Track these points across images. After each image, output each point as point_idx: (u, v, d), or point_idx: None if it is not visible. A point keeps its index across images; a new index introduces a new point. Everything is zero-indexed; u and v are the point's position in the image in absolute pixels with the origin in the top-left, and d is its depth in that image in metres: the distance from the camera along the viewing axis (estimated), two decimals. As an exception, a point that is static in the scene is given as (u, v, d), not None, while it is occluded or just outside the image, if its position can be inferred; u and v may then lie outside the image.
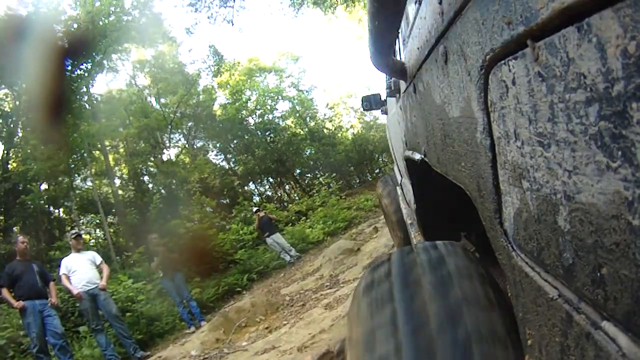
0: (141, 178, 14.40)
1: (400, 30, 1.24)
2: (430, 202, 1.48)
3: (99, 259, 4.91)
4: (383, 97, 2.86)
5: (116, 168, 14.26)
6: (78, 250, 4.83)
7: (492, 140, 0.47)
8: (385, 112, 3.07)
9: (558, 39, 0.29)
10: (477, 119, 0.50)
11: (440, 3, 0.59)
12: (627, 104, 0.23)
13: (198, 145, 16.18)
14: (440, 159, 0.81)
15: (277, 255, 7.87)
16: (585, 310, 0.31)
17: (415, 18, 0.90)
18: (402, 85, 1.35)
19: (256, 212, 8.34)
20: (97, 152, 12.73)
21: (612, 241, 0.26)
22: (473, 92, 0.50)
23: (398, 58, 1.37)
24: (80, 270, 4.62)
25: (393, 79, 1.57)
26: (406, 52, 1.16)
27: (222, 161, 16.14)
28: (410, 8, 1.03)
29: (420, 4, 0.81)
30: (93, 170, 12.12)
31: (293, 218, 10.95)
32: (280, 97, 15.83)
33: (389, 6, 0.73)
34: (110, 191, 13.41)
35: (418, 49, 0.86)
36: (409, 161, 1.39)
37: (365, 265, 4.85)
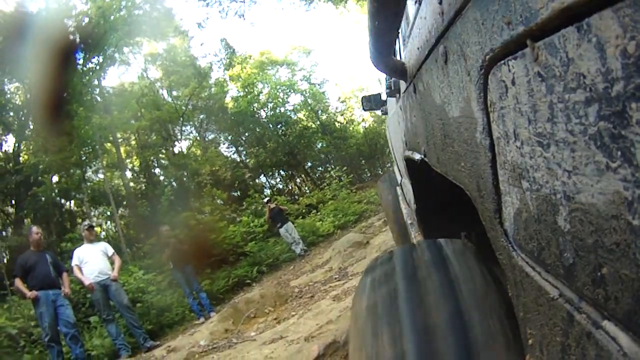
0: (152, 170, 14.48)
1: (400, 30, 1.24)
2: (430, 202, 1.48)
3: (110, 250, 4.98)
4: (383, 97, 2.86)
5: (127, 160, 14.27)
6: (90, 242, 4.90)
7: (492, 140, 0.47)
8: (385, 112, 3.08)
9: (558, 39, 0.29)
10: (477, 119, 0.50)
11: (440, 3, 0.59)
12: (627, 104, 0.23)
13: (209, 137, 16.23)
14: (440, 159, 0.81)
15: (288, 247, 7.89)
16: (586, 310, 0.31)
17: (415, 18, 0.90)
18: (402, 85, 1.35)
19: (267, 202, 8.37)
20: (109, 144, 12.76)
21: (612, 241, 0.26)
22: (473, 92, 0.50)
23: (398, 58, 1.37)
24: (92, 261, 4.70)
25: (393, 79, 1.57)
26: (406, 52, 1.16)
27: (233, 154, 16.22)
28: (410, 8, 1.03)
29: (420, 4, 0.81)
30: (105, 163, 12.14)
31: (304, 211, 11.01)
32: (292, 90, 15.83)
33: (389, 6, 0.73)
34: (121, 183, 13.47)
35: (418, 49, 0.86)
36: (409, 161, 1.39)
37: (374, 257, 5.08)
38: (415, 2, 0.88)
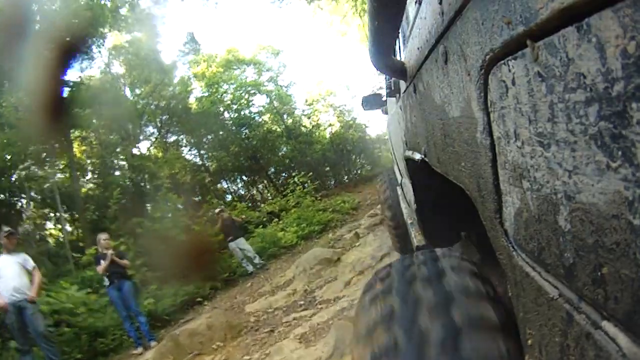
0: (109, 172, 13.42)
1: (400, 30, 1.24)
2: (430, 202, 1.48)
3: (30, 263, 4.28)
4: (383, 97, 2.87)
5: (89, 160, 13.27)
6: (9, 252, 4.19)
7: (492, 140, 0.47)
8: (385, 112, 3.08)
9: (558, 39, 0.29)
10: (477, 119, 0.50)
11: (440, 3, 0.59)
12: (627, 104, 0.23)
13: (171, 139, 15.23)
14: (441, 159, 0.81)
15: (238, 264, 6.94)
16: (585, 310, 0.31)
17: (415, 18, 0.90)
18: (402, 85, 1.35)
19: (219, 212, 7.31)
20: (76, 143, 12.01)
21: (612, 241, 0.26)
22: (473, 92, 0.50)
23: (398, 58, 1.37)
24: (8, 276, 4.00)
25: (393, 79, 1.57)
26: (406, 52, 1.16)
27: (195, 157, 15.30)
28: (410, 8, 1.03)
29: (420, 4, 0.81)
30: (65, 162, 11.36)
31: (264, 219, 10.16)
32: (257, 91, 14.99)
33: (389, 6, 0.73)
34: (75, 184, 12.18)
35: (418, 49, 0.86)
36: (409, 161, 1.39)
37: (347, 280, 4.08)
38: (415, 2, 0.88)
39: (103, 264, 4.68)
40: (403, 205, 2.46)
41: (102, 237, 5.01)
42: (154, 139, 14.70)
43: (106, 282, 4.81)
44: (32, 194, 11.22)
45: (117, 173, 13.45)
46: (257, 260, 6.86)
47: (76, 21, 9.49)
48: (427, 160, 0.98)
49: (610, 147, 0.25)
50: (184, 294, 6.17)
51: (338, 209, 9.41)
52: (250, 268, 6.75)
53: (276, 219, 10.15)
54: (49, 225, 12.10)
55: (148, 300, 5.75)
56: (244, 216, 8.41)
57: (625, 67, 0.23)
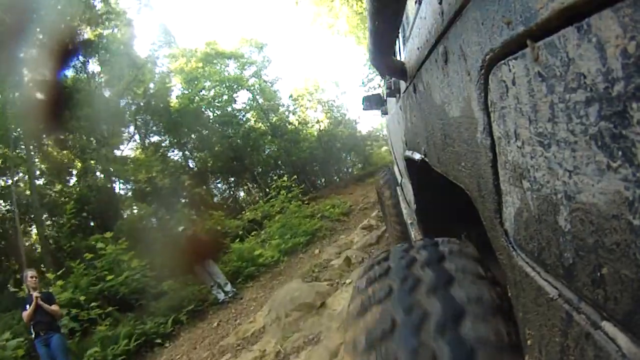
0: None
1: (400, 30, 1.24)
2: (430, 202, 1.48)
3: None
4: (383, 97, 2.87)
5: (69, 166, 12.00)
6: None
7: (493, 140, 0.47)
8: (385, 112, 3.08)
9: (558, 39, 0.29)
10: (477, 119, 0.50)
11: (440, 3, 0.59)
12: (627, 104, 0.23)
13: (154, 140, 14.09)
14: (441, 159, 0.81)
15: (208, 290, 5.91)
16: (585, 311, 0.31)
17: (415, 18, 0.90)
18: (402, 85, 1.35)
19: (182, 230, 6.23)
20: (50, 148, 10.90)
21: (612, 241, 0.26)
22: (473, 92, 0.50)
23: (398, 58, 1.37)
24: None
25: (393, 79, 1.57)
26: (406, 52, 1.16)
27: (179, 158, 14.19)
28: (410, 8, 1.03)
29: (420, 4, 0.81)
30: (44, 167, 10.40)
31: (242, 230, 8.91)
32: (239, 87, 13.84)
33: (389, 6, 0.73)
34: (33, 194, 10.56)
35: (418, 49, 0.86)
36: (409, 161, 1.39)
37: (334, 347, 2.72)
38: (415, 2, 0.88)
39: (28, 309, 3.83)
40: (403, 205, 2.46)
41: (29, 273, 4.10)
42: (134, 141, 13.55)
43: (31, 333, 3.89)
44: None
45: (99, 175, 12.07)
46: (228, 287, 5.78)
47: (69, 19, 9.12)
48: (427, 160, 0.98)
49: (610, 147, 0.25)
50: (140, 334, 4.97)
51: (327, 215, 8.36)
52: (221, 296, 5.69)
53: (257, 230, 8.98)
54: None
55: (93, 349, 4.57)
56: (219, 227, 7.05)
57: (625, 67, 0.23)
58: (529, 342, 0.46)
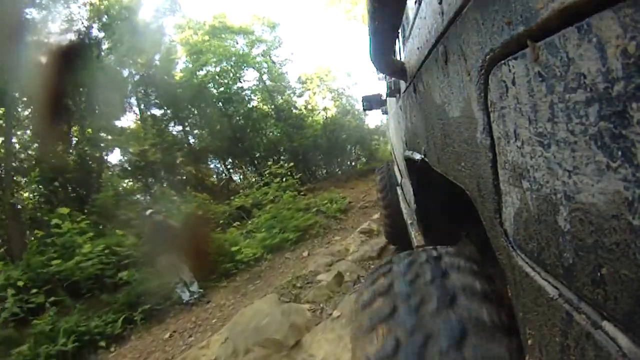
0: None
1: (400, 30, 1.24)
2: (430, 202, 1.48)
3: None
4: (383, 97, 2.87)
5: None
6: None
7: (492, 140, 0.47)
8: (385, 112, 3.08)
9: (558, 39, 0.29)
10: (477, 119, 0.50)
11: (440, 3, 0.59)
12: (627, 104, 0.23)
13: (155, 113, 13.12)
14: (440, 159, 0.81)
15: (173, 287, 5.15)
16: (585, 310, 0.31)
17: (415, 18, 0.90)
18: (402, 85, 1.35)
19: (150, 215, 5.45)
20: None
21: (612, 241, 0.26)
22: (473, 92, 0.50)
23: (398, 58, 1.37)
24: None
25: (393, 79, 1.57)
26: (406, 52, 1.16)
27: (178, 133, 13.29)
28: (410, 8, 1.03)
29: (420, 4, 0.81)
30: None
31: (227, 218, 8.13)
32: (246, 65, 13.09)
33: (389, 6, 0.73)
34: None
35: (418, 49, 0.86)
36: (409, 161, 1.39)
37: None
38: (415, 2, 0.88)
39: None
40: (403, 205, 2.46)
41: None
42: (133, 113, 12.50)
43: None
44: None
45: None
46: (194, 287, 5.06)
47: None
48: (427, 160, 0.98)
49: (610, 147, 0.25)
50: (83, 333, 4.19)
51: (323, 210, 7.49)
52: (185, 295, 4.96)
53: (245, 218, 8.17)
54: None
55: (26, 346, 3.87)
56: (177, 224, 5.77)
57: (625, 67, 0.23)
58: (529, 342, 0.46)
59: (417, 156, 1.13)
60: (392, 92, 1.65)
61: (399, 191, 2.74)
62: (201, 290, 5.10)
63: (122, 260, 5.67)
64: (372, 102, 3.02)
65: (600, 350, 0.29)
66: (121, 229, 6.53)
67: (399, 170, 2.55)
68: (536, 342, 0.44)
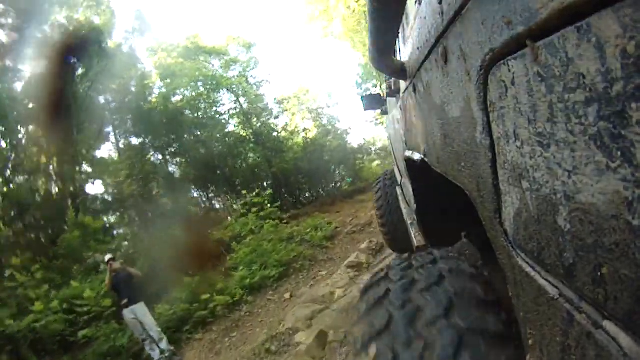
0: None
1: (400, 30, 1.24)
2: (430, 202, 1.48)
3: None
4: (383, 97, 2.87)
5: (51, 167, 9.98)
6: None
7: (492, 140, 0.47)
8: (385, 112, 3.08)
9: (558, 39, 0.29)
10: (477, 119, 0.50)
11: (440, 3, 0.59)
12: (627, 104, 0.23)
13: (130, 142, 12.51)
14: (440, 159, 0.81)
15: (140, 343, 4.59)
16: (586, 310, 0.31)
17: (415, 18, 0.90)
18: (402, 85, 1.35)
19: (109, 262, 4.85)
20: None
21: (612, 241, 0.26)
22: (473, 92, 0.50)
23: (398, 58, 1.37)
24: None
25: (393, 79, 1.57)
26: (406, 52, 1.16)
27: (158, 162, 12.66)
28: (410, 8, 1.03)
29: (420, 4, 0.81)
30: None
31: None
32: (220, 87, 12.57)
33: (389, 6, 0.73)
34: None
35: (418, 49, 0.86)
36: (409, 161, 1.39)
37: None
38: (415, 2, 0.88)
39: None
40: (403, 205, 2.46)
41: None
42: (111, 142, 11.77)
43: None
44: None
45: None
46: (163, 344, 4.48)
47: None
48: (427, 160, 0.98)
49: (609, 147, 0.25)
50: None
51: (308, 239, 6.85)
52: (155, 354, 4.42)
53: (224, 253, 7.52)
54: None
55: None
56: (138, 272, 5.24)
57: (625, 67, 0.23)
58: (530, 341, 0.46)
59: (417, 156, 1.13)
60: (392, 92, 1.65)
61: (399, 191, 2.75)
62: (172, 348, 4.57)
63: (83, 315, 5.08)
64: (371, 102, 3.02)
65: (601, 350, 0.29)
66: (87, 275, 5.80)
67: (399, 170, 2.55)
68: (537, 342, 0.44)
